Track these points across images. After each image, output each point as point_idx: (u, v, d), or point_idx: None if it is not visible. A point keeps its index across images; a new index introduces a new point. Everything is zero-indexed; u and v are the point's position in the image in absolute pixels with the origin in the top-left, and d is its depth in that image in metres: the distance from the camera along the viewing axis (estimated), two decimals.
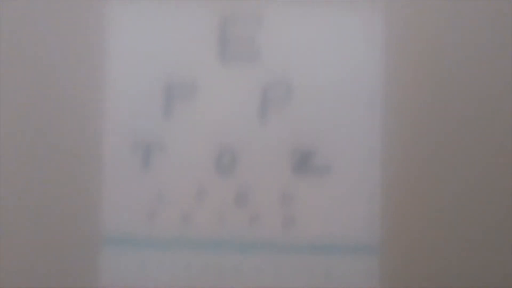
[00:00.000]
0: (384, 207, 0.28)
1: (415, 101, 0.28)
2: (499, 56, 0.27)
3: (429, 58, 0.28)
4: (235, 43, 0.28)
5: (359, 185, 0.28)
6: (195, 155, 0.29)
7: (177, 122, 0.29)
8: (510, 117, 0.27)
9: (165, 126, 0.29)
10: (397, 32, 0.28)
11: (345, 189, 0.28)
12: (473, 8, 0.27)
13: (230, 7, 0.28)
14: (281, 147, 0.28)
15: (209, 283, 0.28)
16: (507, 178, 0.27)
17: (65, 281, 0.29)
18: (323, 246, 0.28)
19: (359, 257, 0.28)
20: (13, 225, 0.29)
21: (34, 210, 0.29)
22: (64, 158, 0.29)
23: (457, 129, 0.28)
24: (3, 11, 0.29)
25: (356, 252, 0.28)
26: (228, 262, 0.28)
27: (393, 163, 0.28)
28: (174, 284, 0.28)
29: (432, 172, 0.28)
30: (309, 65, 0.28)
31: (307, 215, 0.28)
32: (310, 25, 0.28)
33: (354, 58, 0.28)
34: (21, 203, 0.29)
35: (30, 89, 0.29)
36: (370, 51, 0.28)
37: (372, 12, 0.28)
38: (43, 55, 0.29)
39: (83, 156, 0.29)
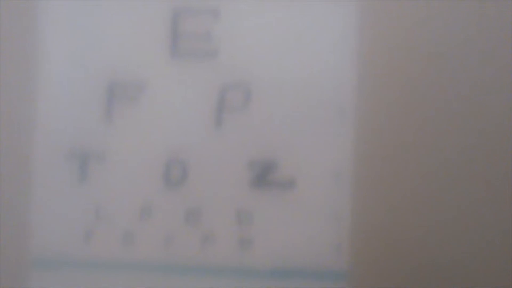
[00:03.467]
0: (353, 227, 0.26)
1: (391, 106, 0.26)
2: (480, 46, 0.26)
3: (405, 63, 0.26)
4: (188, 38, 0.27)
5: (326, 202, 0.26)
6: (140, 166, 0.27)
7: (119, 128, 0.27)
8: (494, 110, 0.26)
9: (106, 132, 0.27)
10: (372, 31, 0.26)
11: (310, 207, 0.26)
12: None
13: None
14: (239, 158, 0.26)
15: None
16: (488, 195, 0.26)
17: None
18: (284, 271, 0.26)
19: (324, 284, 0.26)
20: None
21: None
22: None
23: (435, 141, 0.26)
24: None
25: (321, 278, 0.26)
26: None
27: (365, 177, 0.26)
28: None
29: (409, 188, 0.26)
30: (272, 65, 0.26)
31: (266, 235, 0.26)
32: (273, 19, 0.26)
33: (323, 57, 0.26)
34: None
35: None
36: (341, 49, 0.26)
37: (344, 4, 0.26)
38: None
39: (10, 166, 0.27)
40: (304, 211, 0.26)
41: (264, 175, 0.26)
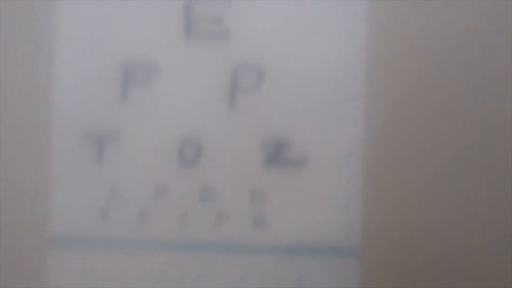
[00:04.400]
0: (364, 205, 0.26)
1: (401, 88, 0.26)
2: (488, 46, 0.26)
3: (416, 43, 0.26)
4: (201, 22, 0.27)
5: (337, 180, 0.26)
6: (154, 146, 0.27)
7: (134, 109, 0.27)
8: (501, 109, 0.26)
9: (121, 113, 0.27)
10: (382, 13, 0.26)
11: (322, 185, 0.26)
12: None
13: None
14: (252, 138, 0.26)
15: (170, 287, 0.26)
16: (497, 180, 0.26)
17: (8, 284, 0.27)
18: (296, 247, 0.26)
19: (337, 260, 0.26)
20: None
21: None
22: (6, 151, 0.27)
23: (445, 121, 0.26)
24: None
25: (333, 254, 0.26)
26: (190, 266, 0.26)
27: (376, 156, 0.26)
28: None
29: (417, 167, 0.26)
30: (283, 47, 0.26)
31: (279, 213, 0.26)
32: (285, 3, 0.26)
33: (334, 39, 0.26)
34: None
35: None
36: (352, 32, 0.26)
37: None
38: None
39: (28, 148, 0.27)
40: (316, 189, 0.26)
41: (277, 154, 0.26)
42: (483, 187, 0.26)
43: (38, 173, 0.27)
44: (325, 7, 0.26)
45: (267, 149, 0.26)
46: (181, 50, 0.27)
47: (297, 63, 0.26)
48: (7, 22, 0.27)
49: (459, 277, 0.26)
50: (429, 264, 0.26)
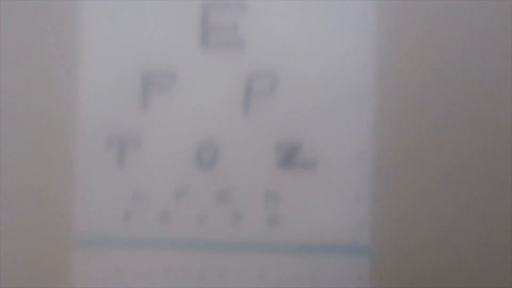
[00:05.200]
0: (375, 204, 0.26)
1: (409, 92, 0.27)
2: (497, 46, 0.26)
3: (424, 48, 0.27)
4: (217, 30, 0.27)
5: (348, 181, 0.27)
6: (174, 150, 0.27)
7: (154, 115, 0.28)
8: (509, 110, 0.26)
9: (142, 119, 0.28)
10: (391, 20, 0.27)
11: (334, 185, 0.27)
12: None
13: None
14: (266, 141, 0.27)
15: (190, 286, 0.27)
16: (506, 177, 0.26)
17: (35, 285, 0.28)
18: (310, 246, 0.27)
19: (348, 258, 0.26)
20: None
21: (2, 211, 0.28)
22: (34, 156, 0.28)
23: (453, 122, 0.26)
24: None
25: (345, 252, 0.26)
26: (209, 264, 0.27)
27: (385, 158, 0.27)
28: (153, 286, 0.27)
29: (426, 167, 0.26)
30: (296, 54, 0.27)
31: (293, 213, 0.27)
32: (297, 11, 0.27)
33: (345, 47, 0.27)
34: None
35: None
36: (361, 39, 0.27)
37: None
38: (5, 42, 0.28)
39: (54, 153, 0.28)
40: (328, 190, 0.27)
41: (290, 157, 0.27)
42: (493, 184, 0.26)
43: (64, 178, 0.28)
44: (335, 14, 0.27)
45: (281, 151, 0.27)
46: (198, 58, 0.27)
47: (309, 69, 0.27)
48: (34, 34, 0.28)
49: (470, 274, 0.26)
50: (439, 261, 0.26)
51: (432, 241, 0.26)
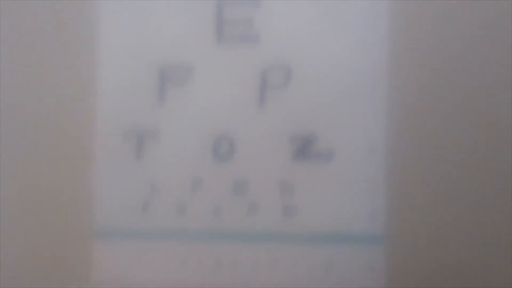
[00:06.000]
0: (389, 194, 0.27)
1: (422, 84, 0.27)
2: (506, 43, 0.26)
3: (436, 41, 0.27)
4: (232, 25, 0.28)
5: (363, 171, 0.27)
6: (190, 142, 0.28)
7: (171, 108, 0.28)
8: None
9: (159, 112, 0.28)
10: (403, 12, 0.27)
11: (348, 176, 0.27)
12: None
13: None
14: (281, 133, 0.27)
15: (206, 275, 0.27)
16: None
17: (56, 275, 0.28)
18: (324, 236, 0.27)
19: (363, 248, 0.27)
20: (1, 219, 0.29)
21: (23, 203, 0.29)
22: (54, 149, 0.29)
23: (466, 113, 0.27)
24: None
25: (360, 242, 0.27)
26: (225, 254, 0.27)
27: (399, 149, 0.27)
28: (170, 276, 0.28)
29: (439, 158, 0.27)
30: (310, 47, 0.27)
31: (308, 203, 0.27)
32: (310, 5, 0.27)
33: (358, 39, 0.27)
34: (10, 196, 0.29)
35: (17, 78, 0.29)
36: (374, 32, 0.27)
37: None
38: (28, 41, 0.29)
39: (74, 146, 0.29)
40: (342, 181, 0.27)
41: (304, 149, 0.27)
42: (507, 174, 0.26)
43: (83, 170, 0.28)
44: (347, 7, 0.27)
45: (296, 143, 0.27)
46: (213, 52, 0.28)
47: (323, 62, 0.27)
48: (53, 28, 0.29)
49: (483, 263, 0.26)
50: (452, 250, 0.26)
51: (445, 230, 0.26)
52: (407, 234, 0.26)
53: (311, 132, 0.27)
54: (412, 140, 0.27)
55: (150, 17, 0.28)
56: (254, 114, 0.27)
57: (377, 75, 0.27)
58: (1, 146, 0.29)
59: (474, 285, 0.26)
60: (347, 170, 0.27)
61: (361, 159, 0.27)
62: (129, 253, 0.28)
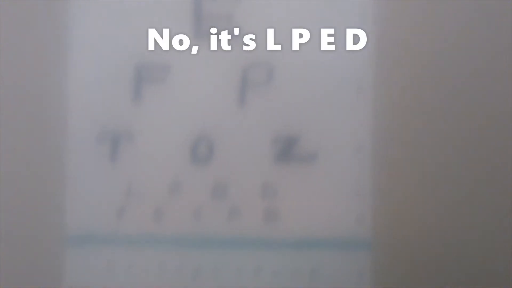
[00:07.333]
0: (376, 198, 0.26)
1: (409, 83, 0.26)
2: (503, 37, 0.26)
3: (423, 38, 0.26)
4: (211, 21, 0.27)
5: (347, 174, 0.26)
6: (168, 144, 0.27)
7: (148, 108, 0.27)
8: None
9: (135, 113, 0.27)
10: (390, 9, 0.26)
11: (333, 179, 0.26)
12: None
13: None
14: (262, 134, 0.27)
15: (185, 283, 0.27)
16: (508, 174, 0.26)
17: (26, 283, 0.27)
18: (309, 241, 0.26)
19: (349, 253, 0.26)
20: None
21: None
22: (22, 151, 0.28)
23: (454, 114, 0.26)
24: None
25: (345, 247, 0.26)
26: (205, 260, 0.27)
27: (385, 150, 0.26)
28: (146, 285, 0.27)
29: (427, 160, 0.26)
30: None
31: (291, 207, 0.26)
32: (293, 0, 0.27)
33: (342, 36, 0.26)
34: None
35: None
36: (360, 29, 0.26)
37: None
38: None
39: (44, 148, 0.28)
40: (327, 184, 0.26)
41: (287, 150, 0.26)
42: (494, 178, 0.26)
43: (54, 173, 0.27)
44: (333, 2, 0.27)
45: (278, 144, 0.27)
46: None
47: (305, 59, 0.27)
48: (21, 22, 0.28)
49: (471, 268, 0.26)
50: (440, 255, 0.26)
51: (433, 235, 0.26)
52: (395, 238, 0.26)
53: (294, 132, 0.27)
54: (400, 141, 0.26)
55: (125, 12, 0.27)
56: (235, 114, 0.27)
57: (364, 73, 0.26)
58: None
59: None
60: (332, 172, 0.26)
61: (346, 161, 0.26)
62: (103, 260, 0.27)
